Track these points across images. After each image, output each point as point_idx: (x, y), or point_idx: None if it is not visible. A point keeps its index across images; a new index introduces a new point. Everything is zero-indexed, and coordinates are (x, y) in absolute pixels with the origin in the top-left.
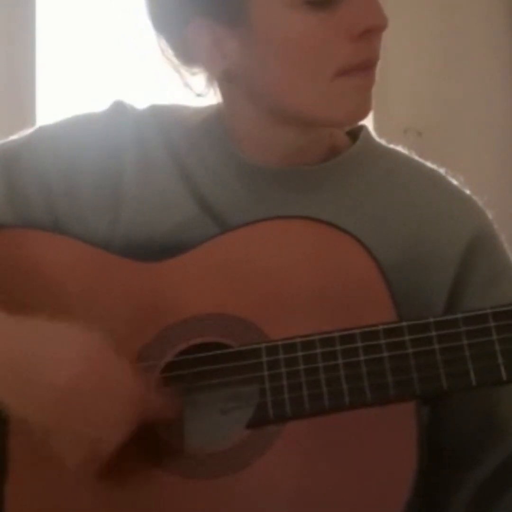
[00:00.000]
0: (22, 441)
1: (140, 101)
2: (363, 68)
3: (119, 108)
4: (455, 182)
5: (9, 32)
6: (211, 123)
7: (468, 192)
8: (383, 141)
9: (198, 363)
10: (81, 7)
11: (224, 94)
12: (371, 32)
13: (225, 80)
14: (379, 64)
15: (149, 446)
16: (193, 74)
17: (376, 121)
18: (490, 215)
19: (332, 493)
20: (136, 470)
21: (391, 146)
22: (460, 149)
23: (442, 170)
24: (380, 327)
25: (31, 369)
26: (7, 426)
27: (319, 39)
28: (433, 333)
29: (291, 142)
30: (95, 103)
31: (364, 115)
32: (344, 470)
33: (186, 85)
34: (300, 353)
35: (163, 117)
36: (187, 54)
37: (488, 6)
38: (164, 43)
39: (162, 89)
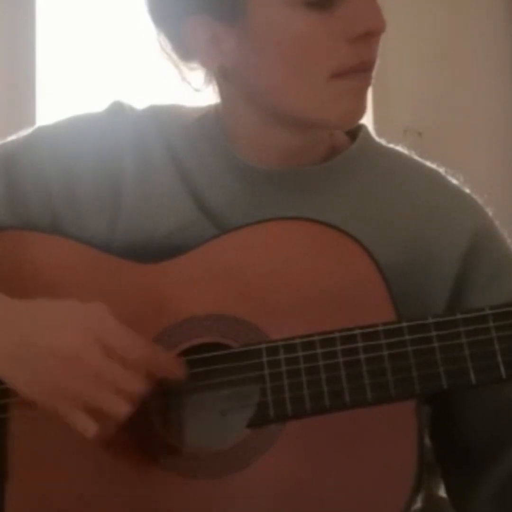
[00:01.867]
0: (23, 440)
1: (140, 101)
2: (360, 70)
3: (117, 109)
4: (454, 181)
5: (9, 32)
6: (209, 123)
7: (468, 190)
8: (382, 141)
9: (198, 363)
10: (81, 7)
11: (222, 93)
12: (368, 35)
13: (222, 77)
14: (379, 65)
15: (150, 446)
16: (192, 69)
17: (376, 121)
18: (490, 212)
19: (333, 492)
20: (136, 471)
21: (391, 145)
22: (460, 149)
23: (441, 170)
24: (380, 327)
25: (33, 341)
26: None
27: (316, 40)
28: (433, 333)
29: (288, 143)
30: (95, 103)
31: (358, 118)
32: (345, 469)
33: (184, 80)
34: (300, 353)
35: (163, 118)
36: (184, 50)
37: (488, 7)
38: (163, 38)
39: (162, 88)
